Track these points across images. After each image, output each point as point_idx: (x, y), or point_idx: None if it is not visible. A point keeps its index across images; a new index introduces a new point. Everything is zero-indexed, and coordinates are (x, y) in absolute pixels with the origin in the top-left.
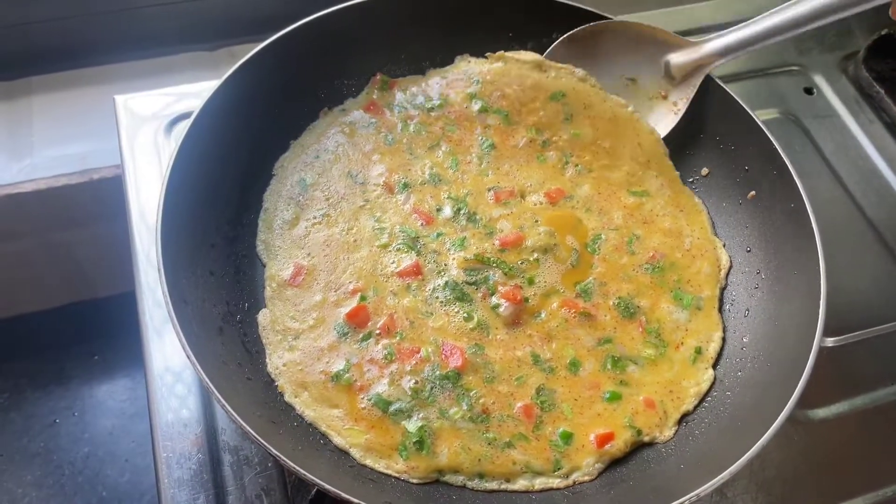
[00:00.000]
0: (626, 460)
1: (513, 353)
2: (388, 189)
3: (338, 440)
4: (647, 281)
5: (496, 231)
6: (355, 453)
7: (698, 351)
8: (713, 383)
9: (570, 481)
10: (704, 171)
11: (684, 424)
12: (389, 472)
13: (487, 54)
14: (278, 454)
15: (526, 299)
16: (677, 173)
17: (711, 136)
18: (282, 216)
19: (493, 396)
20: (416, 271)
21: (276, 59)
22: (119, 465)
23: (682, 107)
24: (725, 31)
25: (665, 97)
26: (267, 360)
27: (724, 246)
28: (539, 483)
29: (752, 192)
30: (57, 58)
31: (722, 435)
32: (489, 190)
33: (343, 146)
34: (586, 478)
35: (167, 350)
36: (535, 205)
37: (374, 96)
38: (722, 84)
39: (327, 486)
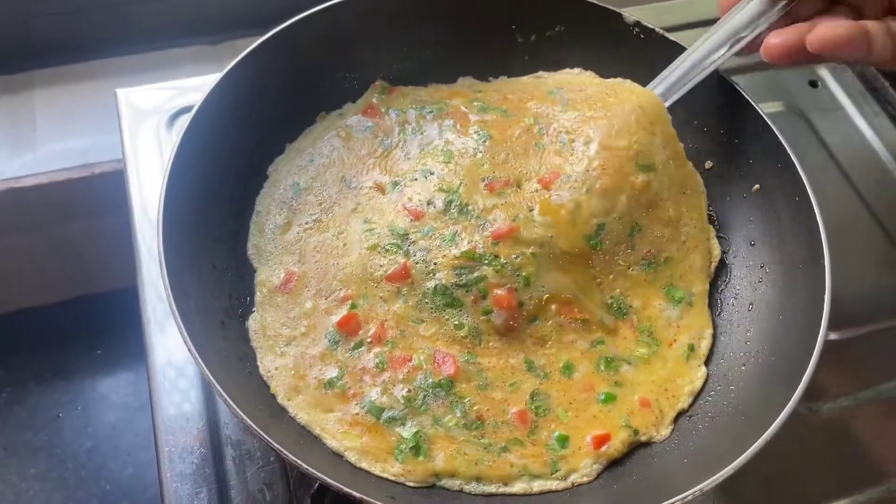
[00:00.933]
0: (627, 458)
1: (506, 361)
2: (379, 190)
3: (332, 444)
4: (641, 278)
5: (489, 222)
6: (350, 456)
7: (691, 348)
8: (707, 380)
9: (568, 483)
10: (708, 164)
11: (687, 419)
12: (385, 475)
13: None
14: (280, 448)
15: (521, 304)
16: (681, 145)
17: (716, 130)
18: (274, 220)
19: (486, 403)
20: (404, 275)
21: (278, 51)
22: (122, 459)
23: None
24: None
25: None
26: (258, 362)
27: (716, 235)
28: (537, 486)
29: (757, 186)
30: (59, 52)
31: (726, 430)
32: (483, 180)
33: (338, 150)
34: (585, 479)
35: (169, 344)
36: (531, 193)
37: (374, 100)
38: (727, 77)
39: (329, 481)
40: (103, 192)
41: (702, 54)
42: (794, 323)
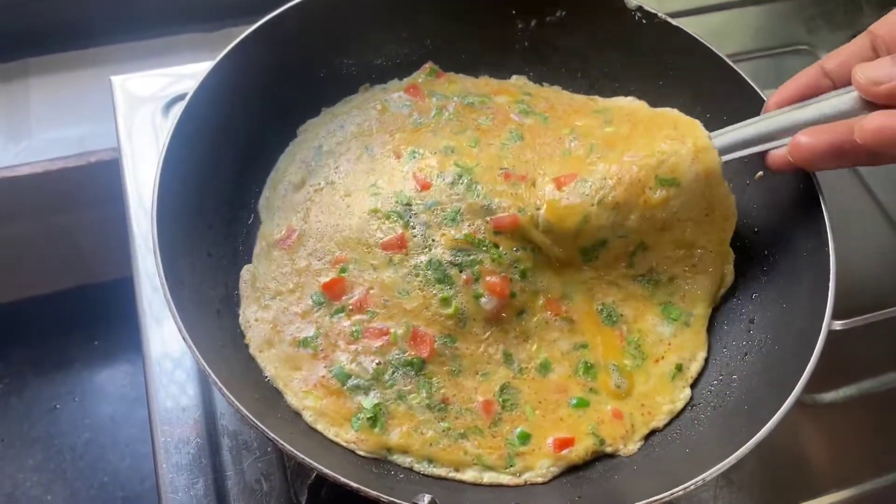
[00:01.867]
0: (590, 466)
1: (485, 349)
2: (395, 156)
3: (292, 400)
4: (637, 292)
5: (493, 206)
6: (307, 416)
7: (679, 368)
8: (689, 402)
9: (521, 480)
10: None
11: (689, 409)
12: (338, 440)
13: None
14: (276, 438)
15: (513, 294)
16: (719, 161)
17: (719, 115)
18: (289, 178)
19: (454, 389)
20: (400, 244)
21: (272, 38)
22: (120, 451)
23: None
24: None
25: None
26: (240, 311)
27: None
28: (488, 477)
29: (760, 173)
30: (54, 39)
31: (728, 419)
32: (500, 169)
33: (370, 121)
34: (539, 479)
35: (165, 335)
36: (543, 191)
37: (420, 80)
38: (730, 63)
39: (325, 470)
40: (99, 181)
41: (781, 125)
42: (798, 312)
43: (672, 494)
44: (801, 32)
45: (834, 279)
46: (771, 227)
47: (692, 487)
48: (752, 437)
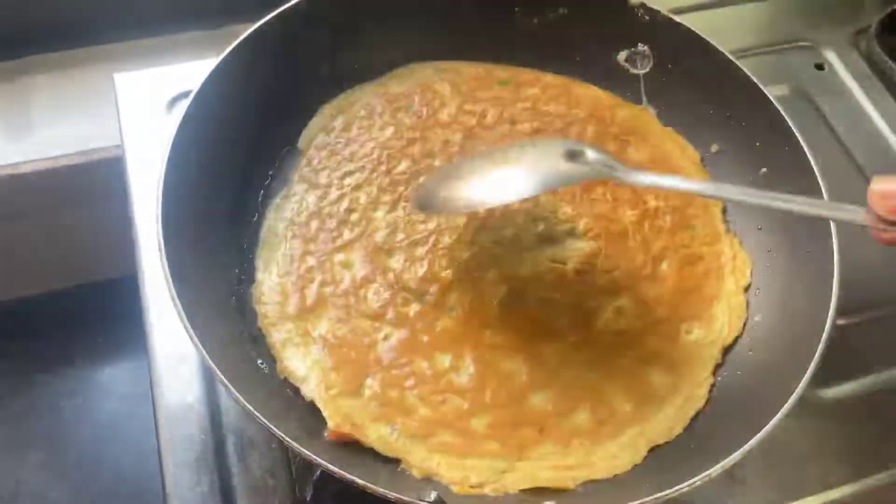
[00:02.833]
0: None
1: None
2: None
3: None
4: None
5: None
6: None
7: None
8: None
9: None
10: (714, 147)
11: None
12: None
13: None
14: (283, 435)
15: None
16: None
17: (722, 112)
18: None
19: None
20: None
21: (277, 35)
22: (124, 448)
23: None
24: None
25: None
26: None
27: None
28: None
29: (764, 169)
30: (56, 37)
31: (732, 416)
32: None
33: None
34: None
35: (170, 333)
36: None
37: None
38: (732, 58)
39: (332, 468)
40: (102, 179)
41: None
42: (802, 308)
43: (676, 491)
44: (803, 28)
45: (838, 275)
46: (774, 223)
47: (697, 483)
48: (756, 434)
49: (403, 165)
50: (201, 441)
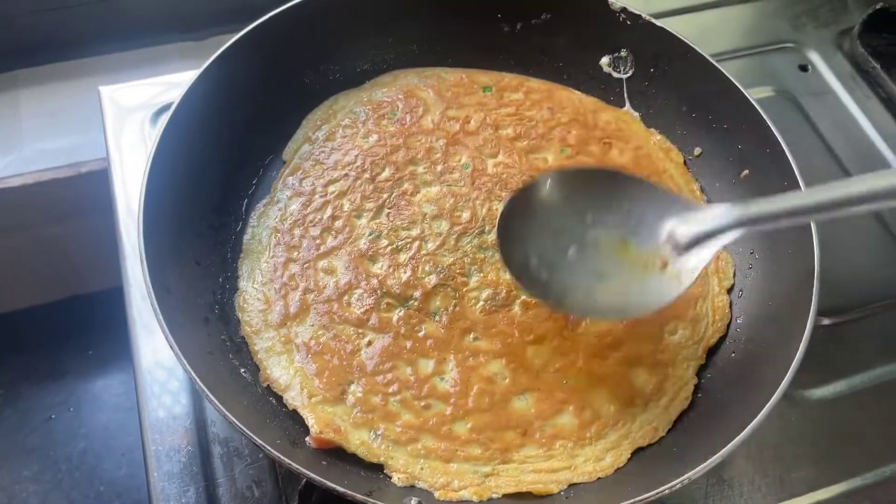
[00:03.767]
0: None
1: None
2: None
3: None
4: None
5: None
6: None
7: None
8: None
9: None
10: (697, 151)
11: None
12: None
13: None
14: (263, 444)
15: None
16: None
17: (703, 116)
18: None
19: None
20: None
21: (259, 45)
22: (116, 460)
23: (688, 281)
24: (750, 201)
25: (665, 266)
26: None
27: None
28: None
29: (746, 171)
30: (44, 50)
31: (716, 418)
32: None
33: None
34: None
35: (156, 344)
36: None
37: None
38: (714, 62)
39: (313, 476)
40: (90, 192)
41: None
42: (784, 309)
43: (657, 494)
44: (787, 30)
45: (818, 275)
46: None
47: (678, 486)
48: (738, 434)
49: (387, 172)
50: (187, 452)
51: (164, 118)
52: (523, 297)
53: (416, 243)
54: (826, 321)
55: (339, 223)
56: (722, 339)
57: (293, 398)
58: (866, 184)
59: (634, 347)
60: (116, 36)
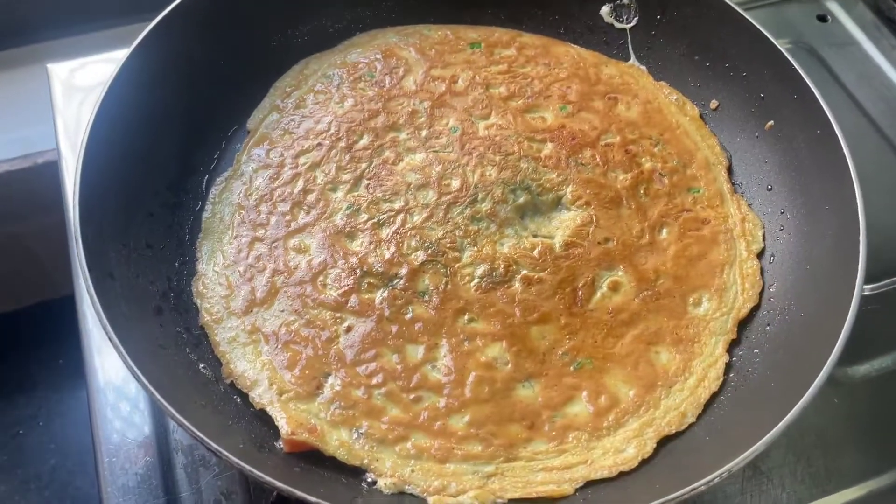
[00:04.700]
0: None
1: None
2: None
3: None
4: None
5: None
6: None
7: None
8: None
9: None
10: (714, 103)
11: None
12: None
13: None
14: (219, 449)
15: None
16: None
17: (720, 64)
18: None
19: None
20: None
21: (217, 2)
22: (89, 477)
23: None
24: None
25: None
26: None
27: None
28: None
29: (771, 122)
30: None
31: (752, 400)
32: None
33: None
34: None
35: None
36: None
37: None
38: (732, 4)
39: (282, 486)
40: (47, 185)
41: None
42: (824, 273)
43: (692, 490)
44: None
45: (864, 232)
46: (786, 180)
47: (716, 481)
48: (781, 419)
49: (365, 140)
50: (145, 463)
51: (104, 86)
52: (525, 272)
53: (400, 216)
54: (866, 289)
55: (311, 197)
56: (754, 310)
57: (260, 395)
58: None
59: (654, 323)
60: (67, 20)
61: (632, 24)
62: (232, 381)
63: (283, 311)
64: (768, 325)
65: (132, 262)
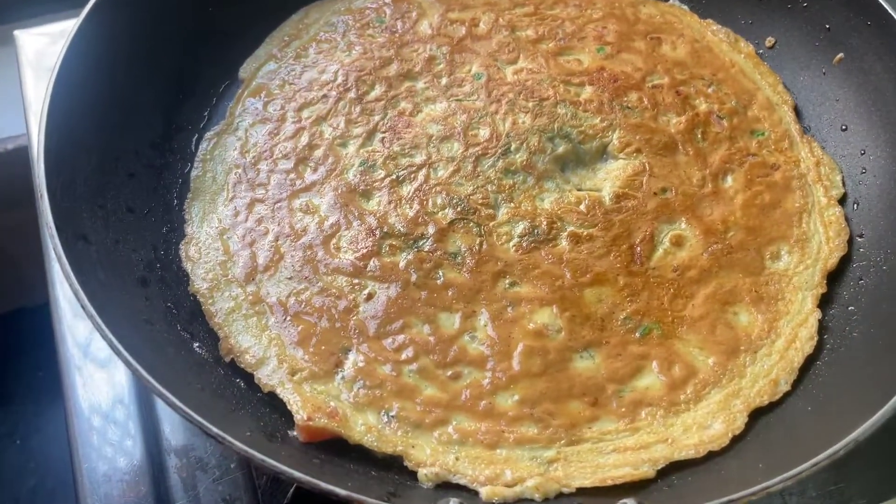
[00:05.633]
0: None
1: None
2: None
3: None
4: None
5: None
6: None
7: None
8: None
9: None
10: (770, 41)
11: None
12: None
13: None
14: (221, 434)
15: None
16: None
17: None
18: None
19: None
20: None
21: None
22: (71, 498)
23: None
24: None
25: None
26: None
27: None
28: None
29: (840, 55)
30: None
31: (856, 365)
32: None
33: None
34: None
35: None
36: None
37: None
38: None
39: (303, 478)
40: (18, 173)
41: None
42: None
43: (798, 475)
44: None
45: None
46: (864, 117)
47: (825, 463)
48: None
49: (378, 90)
50: (131, 468)
51: (73, 26)
52: (571, 229)
53: (423, 172)
54: None
55: (318, 153)
56: (843, 263)
57: (269, 376)
58: None
59: (728, 280)
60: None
61: None
62: (233, 360)
63: (290, 278)
64: (861, 278)
65: (111, 226)
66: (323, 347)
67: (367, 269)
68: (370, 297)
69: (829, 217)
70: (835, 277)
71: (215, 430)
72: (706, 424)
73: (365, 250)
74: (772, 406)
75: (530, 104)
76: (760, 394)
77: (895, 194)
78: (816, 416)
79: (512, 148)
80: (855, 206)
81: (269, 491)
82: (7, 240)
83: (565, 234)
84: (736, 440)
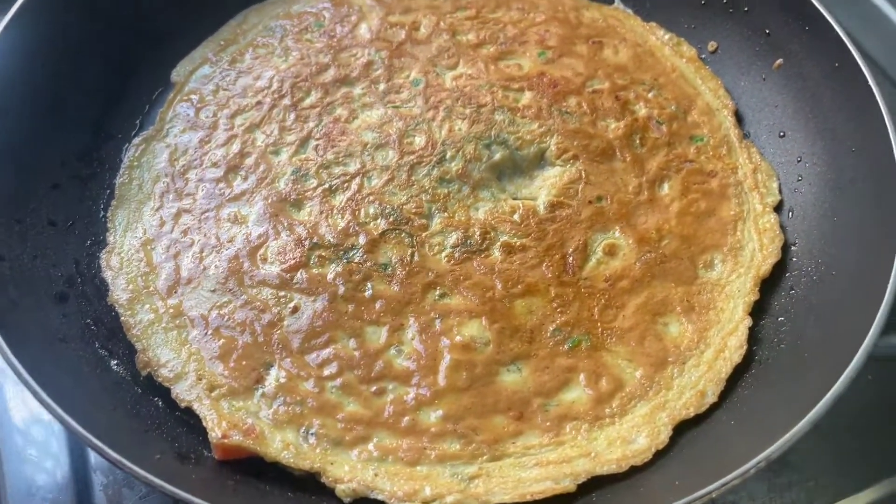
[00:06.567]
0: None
1: None
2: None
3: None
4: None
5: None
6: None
7: None
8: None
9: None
10: (712, 45)
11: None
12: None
13: None
14: (119, 458)
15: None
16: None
17: (717, 1)
18: None
19: None
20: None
21: None
22: None
23: None
24: None
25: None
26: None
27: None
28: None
29: (779, 61)
30: None
31: (783, 377)
32: None
33: None
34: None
35: None
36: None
37: None
38: None
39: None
40: None
41: None
42: (856, 224)
43: (723, 486)
44: None
45: None
46: (800, 124)
47: (751, 472)
48: (820, 399)
49: (313, 97)
50: (55, 487)
51: None
52: (505, 239)
53: (356, 181)
54: None
55: (249, 161)
56: (778, 272)
57: (186, 391)
58: None
59: (660, 290)
60: None
61: None
62: (151, 377)
63: (213, 290)
64: (793, 288)
65: (28, 240)
66: (244, 363)
67: (294, 280)
68: (295, 310)
69: (764, 224)
70: (767, 288)
71: (114, 454)
72: (630, 438)
73: (292, 261)
74: (698, 420)
75: (468, 111)
76: (687, 406)
77: (828, 204)
78: (739, 432)
79: (447, 156)
80: (790, 213)
81: None
82: None
83: (498, 244)
84: (660, 455)
